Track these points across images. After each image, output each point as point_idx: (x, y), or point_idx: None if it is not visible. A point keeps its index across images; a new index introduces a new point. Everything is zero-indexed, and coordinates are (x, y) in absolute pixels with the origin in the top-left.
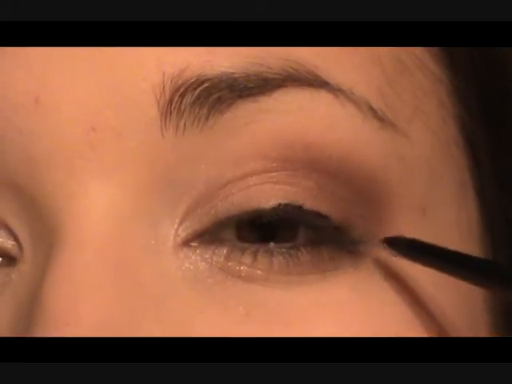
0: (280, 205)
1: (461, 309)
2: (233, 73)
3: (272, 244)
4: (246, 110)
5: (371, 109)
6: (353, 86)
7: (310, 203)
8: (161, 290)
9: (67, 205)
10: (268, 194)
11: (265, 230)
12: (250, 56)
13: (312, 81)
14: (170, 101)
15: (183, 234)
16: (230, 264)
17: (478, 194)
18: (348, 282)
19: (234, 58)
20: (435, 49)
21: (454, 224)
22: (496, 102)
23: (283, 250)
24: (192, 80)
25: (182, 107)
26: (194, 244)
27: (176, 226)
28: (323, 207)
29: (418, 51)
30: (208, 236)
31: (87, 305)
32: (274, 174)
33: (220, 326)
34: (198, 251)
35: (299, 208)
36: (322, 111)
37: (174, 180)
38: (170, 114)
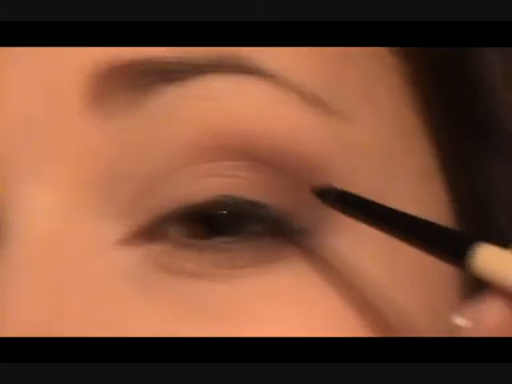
0: (219, 197)
1: (417, 296)
2: (162, 57)
3: (214, 239)
4: (172, 96)
5: (308, 95)
6: (288, 73)
7: (248, 194)
8: (98, 288)
9: (2, 203)
10: (205, 187)
11: (210, 225)
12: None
13: (243, 67)
14: (100, 87)
15: (123, 230)
16: (171, 260)
17: (446, 181)
18: (293, 272)
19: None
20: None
21: (413, 211)
22: (455, 90)
23: (225, 244)
24: (121, 65)
25: (107, 92)
26: (134, 241)
27: (116, 222)
28: (262, 197)
29: None
30: (149, 232)
31: (16, 306)
32: (210, 164)
33: (159, 323)
34: (138, 248)
35: (238, 200)
36: (254, 98)
37: (111, 174)
38: (101, 100)
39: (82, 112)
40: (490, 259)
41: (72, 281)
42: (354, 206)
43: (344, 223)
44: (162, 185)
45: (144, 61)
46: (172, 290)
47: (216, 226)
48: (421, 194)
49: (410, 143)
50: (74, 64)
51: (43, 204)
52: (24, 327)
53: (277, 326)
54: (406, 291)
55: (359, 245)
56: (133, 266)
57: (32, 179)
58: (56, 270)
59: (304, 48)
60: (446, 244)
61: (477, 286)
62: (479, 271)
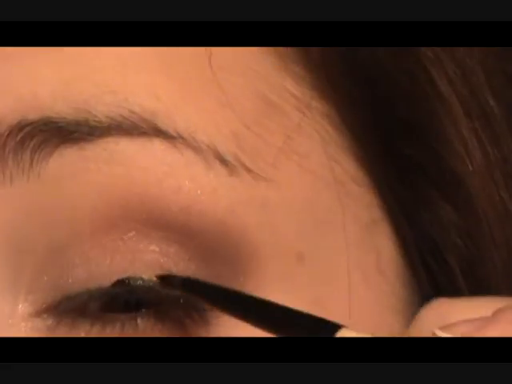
0: (119, 282)
1: None
2: (56, 117)
3: (120, 314)
4: (72, 158)
5: (218, 155)
6: (196, 132)
7: (151, 270)
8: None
9: None
10: (107, 270)
11: (115, 301)
12: (75, 101)
13: (145, 129)
14: None
15: (32, 303)
16: (72, 333)
17: (393, 232)
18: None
19: (58, 103)
20: (320, 86)
21: (344, 266)
22: (395, 140)
23: (130, 320)
24: (13, 125)
25: (6, 154)
26: (43, 313)
27: (22, 295)
28: (167, 272)
29: (292, 88)
30: (59, 307)
31: None
32: (113, 236)
33: None
34: (46, 322)
35: (146, 281)
36: (158, 161)
37: (11, 243)
38: None
39: None
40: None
41: None
42: (202, 292)
43: (254, 287)
44: (68, 258)
45: (40, 120)
46: None
47: (121, 303)
48: (362, 245)
49: (349, 194)
50: None
51: None
52: None
53: None
54: None
55: None
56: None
57: None
58: None
59: (218, 103)
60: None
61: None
62: None
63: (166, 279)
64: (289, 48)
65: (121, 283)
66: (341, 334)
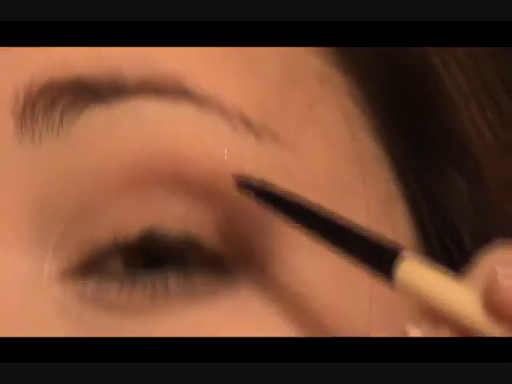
0: (153, 231)
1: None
2: (85, 76)
3: (149, 271)
4: (101, 118)
5: (244, 119)
6: (223, 96)
7: (183, 227)
8: (29, 322)
9: None
10: (140, 220)
11: (145, 257)
12: (104, 61)
13: (173, 91)
14: (24, 108)
15: (58, 266)
16: (105, 295)
17: (407, 203)
18: (223, 309)
19: (88, 63)
20: (341, 61)
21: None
22: (412, 114)
23: (160, 277)
24: (44, 85)
25: (36, 113)
26: (69, 277)
27: (50, 255)
28: (193, 231)
29: (316, 63)
30: (84, 267)
31: None
32: (143, 195)
33: None
34: (73, 284)
35: (173, 233)
36: (185, 122)
37: (41, 206)
38: (26, 122)
39: (11, 133)
40: (412, 275)
41: (3, 317)
42: (275, 201)
43: (283, 247)
44: (94, 216)
45: (69, 80)
46: (105, 326)
47: (152, 259)
48: (379, 221)
49: (367, 169)
50: (1, 84)
51: None
52: None
53: None
54: (356, 305)
55: (301, 268)
56: (67, 302)
57: None
58: None
59: (245, 70)
60: (371, 259)
61: None
62: (403, 288)
63: (242, 181)
64: None
65: (147, 237)
66: (405, 264)
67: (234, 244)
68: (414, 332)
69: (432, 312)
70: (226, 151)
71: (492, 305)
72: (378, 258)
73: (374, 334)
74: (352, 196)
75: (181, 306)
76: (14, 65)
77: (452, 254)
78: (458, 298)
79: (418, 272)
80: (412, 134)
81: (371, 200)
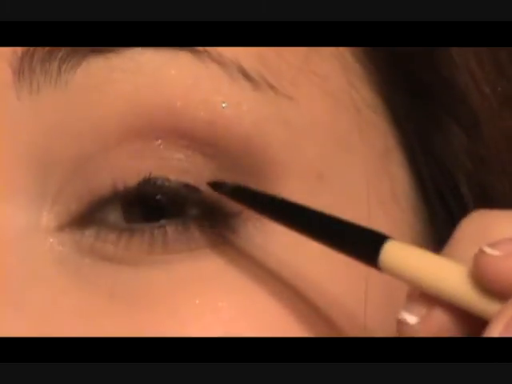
0: (153, 180)
1: (356, 291)
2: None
3: (148, 223)
4: (99, 68)
5: (242, 70)
6: (221, 48)
7: (183, 177)
8: (27, 273)
9: None
10: (139, 170)
11: (144, 208)
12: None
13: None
14: (21, 59)
15: (57, 215)
16: (104, 246)
17: (407, 158)
18: (220, 258)
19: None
20: None
21: (362, 190)
22: (411, 66)
23: (159, 228)
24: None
25: (33, 64)
26: (68, 227)
27: (48, 206)
28: (193, 179)
29: None
30: (83, 218)
31: None
32: (143, 144)
33: (84, 306)
34: (72, 234)
35: (172, 183)
36: (183, 73)
37: (41, 156)
38: (23, 72)
39: (8, 83)
40: (397, 258)
41: (2, 268)
42: (251, 199)
43: None
44: (94, 166)
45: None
46: (103, 276)
47: (150, 209)
48: (377, 172)
49: (365, 121)
50: None
51: None
52: None
53: (213, 314)
54: (343, 285)
55: (295, 240)
56: (66, 252)
57: None
58: None
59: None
60: (354, 244)
61: None
62: (389, 271)
63: (216, 185)
64: None
65: (147, 183)
66: (389, 245)
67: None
68: (410, 319)
69: (423, 294)
70: (224, 101)
71: (481, 280)
72: (362, 246)
73: (368, 319)
74: (349, 147)
75: (179, 257)
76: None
77: (450, 206)
78: (445, 276)
79: (402, 254)
80: (410, 85)
81: (369, 150)
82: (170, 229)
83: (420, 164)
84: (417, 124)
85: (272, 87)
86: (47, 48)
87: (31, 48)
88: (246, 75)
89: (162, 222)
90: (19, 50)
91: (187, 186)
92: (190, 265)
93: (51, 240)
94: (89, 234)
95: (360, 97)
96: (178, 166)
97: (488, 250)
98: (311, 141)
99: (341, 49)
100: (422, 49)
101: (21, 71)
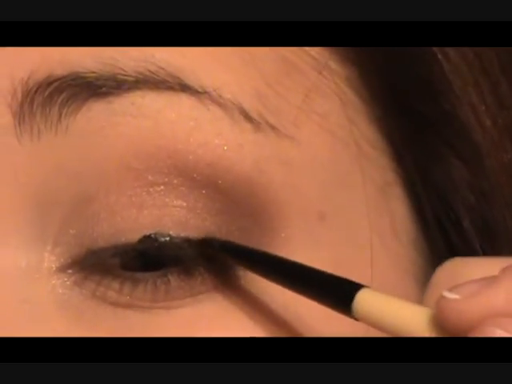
0: (145, 237)
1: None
2: (84, 72)
3: (149, 272)
4: (100, 112)
5: (243, 111)
6: (220, 88)
7: (178, 230)
8: (28, 315)
9: None
10: (133, 223)
11: (144, 258)
12: (102, 57)
13: (171, 84)
14: (22, 104)
15: (59, 256)
16: (100, 290)
17: (407, 193)
18: (223, 301)
19: (86, 59)
20: (339, 48)
21: (363, 227)
22: (411, 99)
23: (160, 278)
24: (41, 80)
25: (34, 109)
26: (69, 270)
27: (49, 248)
28: (194, 231)
29: (314, 52)
30: (83, 262)
31: None
32: (139, 190)
33: None
34: (72, 275)
35: (172, 236)
36: (184, 115)
37: (39, 196)
38: (24, 117)
39: (8, 128)
40: (369, 307)
41: (2, 309)
42: (237, 254)
43: (282, 244)
44: (94, 209)
45: (68, 75)
46: (106, 320)
47: (150, 259)
48: (378, 208)
49: (366, 156)
50: None
51: None
52: None
53: None
54: (346, 328)
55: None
56: (68, 295)
57: None
58: None
59: (240, 61)
60: (329, 294)
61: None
62: (363, 319)
63: (205, 241)
64: None
65: (147, 239)
66: (362, 293)
67: (237, 236)
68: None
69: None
70: (225, 143)
71: (444, 323)
72: (336, 295)
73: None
74: (350, 183)
75: (181, 303)
76: (11, 61)
77: (452, 240)
78: (412, 322)
79: (374, 302)
80: (410, 119)
81: (369, 187)
82: (173, 277)
83: (421, 198)
84: (417, 157)
85: (273, 128)
86: (47, 92)
87: (31, 92)
88: (247, 116)
89: (164, 270)
90: (19, 94)
91: (188, 240)
92: (193, 308)
93: (53, 282)
94: (91, 278)
95: (360, 132)
96: (179, 217)
97: (447, 295)
98: (312, 180)
99: (340, 83)
100: (421, 82)
101: (21, 116)
